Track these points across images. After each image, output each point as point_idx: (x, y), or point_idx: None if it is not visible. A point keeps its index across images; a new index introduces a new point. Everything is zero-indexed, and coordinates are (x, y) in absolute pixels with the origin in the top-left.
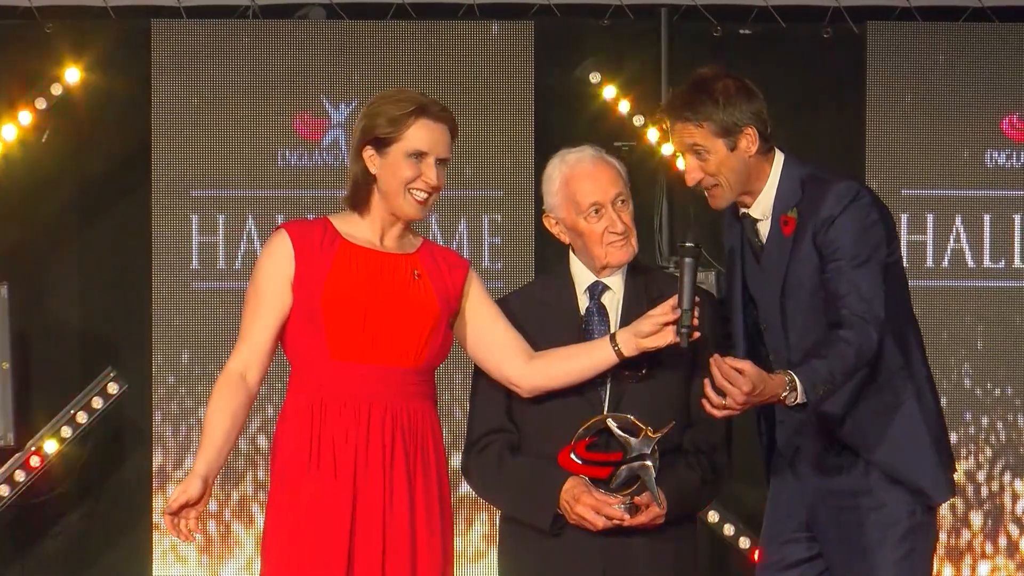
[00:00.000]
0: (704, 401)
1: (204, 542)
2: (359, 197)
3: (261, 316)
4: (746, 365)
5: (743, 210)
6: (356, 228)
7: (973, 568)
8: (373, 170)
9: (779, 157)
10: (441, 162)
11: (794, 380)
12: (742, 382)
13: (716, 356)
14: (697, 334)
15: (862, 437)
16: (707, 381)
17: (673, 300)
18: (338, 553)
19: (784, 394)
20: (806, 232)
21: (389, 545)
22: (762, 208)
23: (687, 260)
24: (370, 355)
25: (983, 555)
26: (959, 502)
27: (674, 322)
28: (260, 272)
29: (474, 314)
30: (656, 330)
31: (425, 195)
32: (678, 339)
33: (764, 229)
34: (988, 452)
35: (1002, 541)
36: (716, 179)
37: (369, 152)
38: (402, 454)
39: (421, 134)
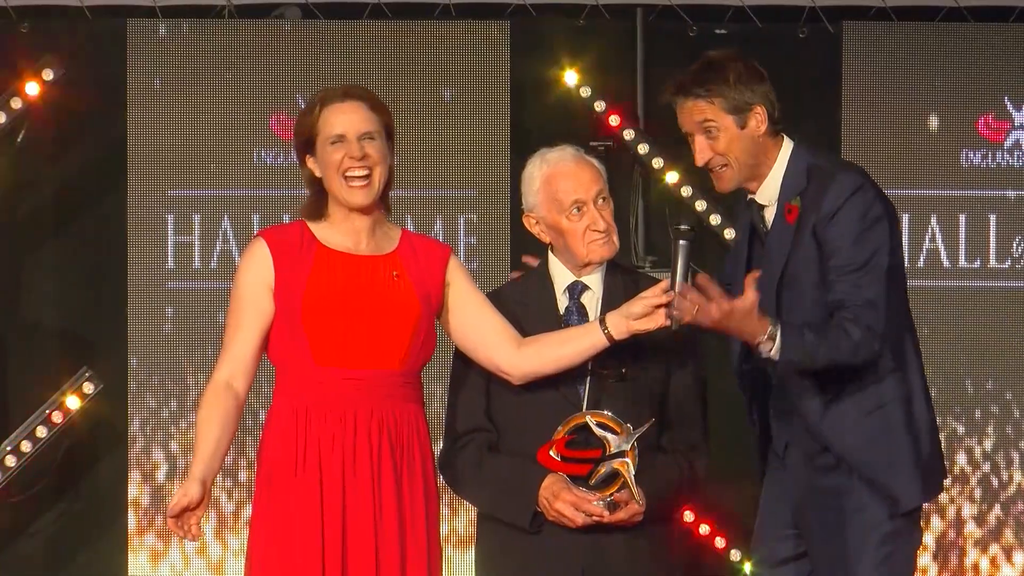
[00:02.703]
0: (674, 295)
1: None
2: (317, 206)
3: (243, 326)
4: (747, 300)
5: (749, 196)
6: (331, 232)
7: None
8: (318, 173)
9: (787, 144)
10: (367, 136)
11: (775, 333)
12: (725, 306)
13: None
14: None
15: (840, 435)
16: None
17: (665, 283)
18: (331, 558)
19: (760, 339)
20: (808, 223)
21: (381, 549)
22: (768, 194)
23: (681, 242)
24: (354, 360)
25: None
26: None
27: (666, 305)
28: (240, 282)
29: (460, 304)
30: (647, 312)
31: (360, 174)
32: (669, 322)
33: (769, 216)
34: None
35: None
36: (725, 158)
37: (309, 159)
38: (389, 459)
39: (331, 118)
